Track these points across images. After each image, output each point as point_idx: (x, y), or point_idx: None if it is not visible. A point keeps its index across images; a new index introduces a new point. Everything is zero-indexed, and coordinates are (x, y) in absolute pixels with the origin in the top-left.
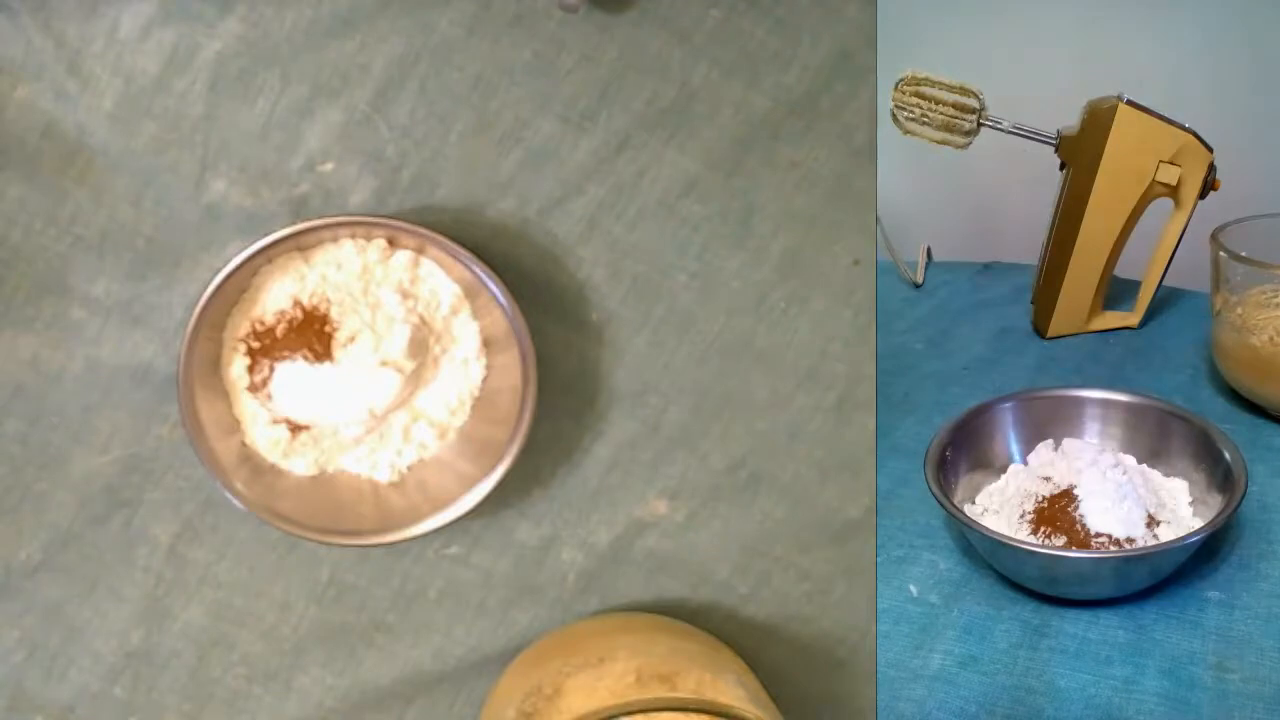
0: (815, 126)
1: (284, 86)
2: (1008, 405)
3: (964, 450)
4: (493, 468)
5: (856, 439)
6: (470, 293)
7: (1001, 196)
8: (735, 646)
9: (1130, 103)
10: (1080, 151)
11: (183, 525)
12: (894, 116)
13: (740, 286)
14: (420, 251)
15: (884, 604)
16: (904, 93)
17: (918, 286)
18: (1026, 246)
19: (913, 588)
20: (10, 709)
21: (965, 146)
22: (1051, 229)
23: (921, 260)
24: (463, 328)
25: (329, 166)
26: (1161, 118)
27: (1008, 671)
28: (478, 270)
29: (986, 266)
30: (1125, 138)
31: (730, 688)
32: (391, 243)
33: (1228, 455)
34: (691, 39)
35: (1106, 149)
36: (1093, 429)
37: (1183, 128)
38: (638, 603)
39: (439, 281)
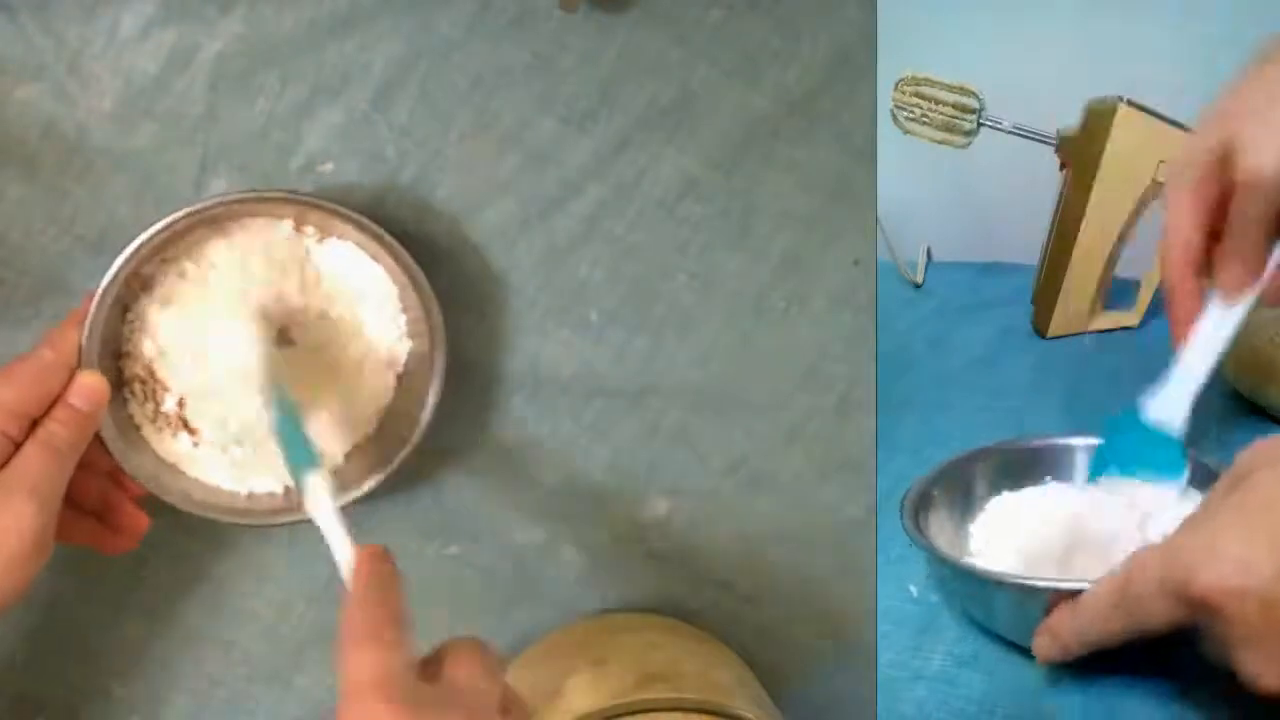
0: (815, 126)
1: (284, 86)
2: (981, 460)
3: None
4: (404, 442)
5: (856, 439)
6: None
7: (1001, 196)
8: (735, 646)
9: (1130, 103)
10: (1080, 151)
11: (182, 523)
12: (894, 116)
13: (740, 286)
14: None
15: (884, 604)
16: (904, 93)
17: (918, 286)
18: (1026, 246)
19: (912, 588)
20: (12, 709)
21: (965, 146)
22: (1051, 229)
23: (921, 260)
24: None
25: (329, 166)
26: (1161, 118)
27: (1008, 671)
28: (383, 243)
29: (986, 266)
30: (1125, 138)
31: (730, 687)
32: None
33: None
34: (691, 39)
35: (1106, 149)
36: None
37: (1183, 128)
38: (638, 603)
39: (345, 263)
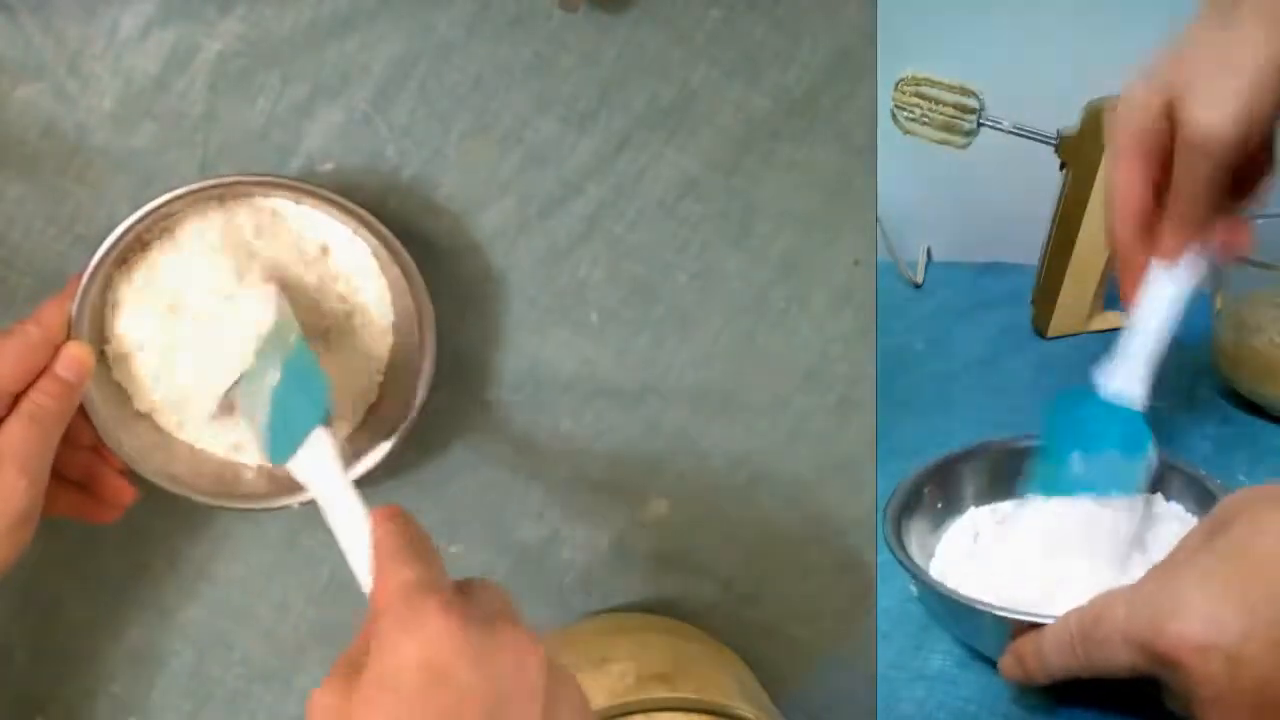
0: (815, 126)
1: (284, 86)
2: (969, 460)
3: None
4: (389, 435)
5: (856, 439)
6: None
7: (1001, 196)
8: (735, 646)
9: None
10: (1080, 151)
11: (181, 522)
12: (894, 116)
13: (740, 286)
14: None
15: (884, 604)
16: (904, 93)
17: (918, 286)
18: (1026, 246)
19: (913, 587)
20: (12, 708)
21: (965, 146)
22: (1051, 229)
23: (921, 260)
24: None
25: (329, 166)
26: None
27: None
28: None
29: (986, 266)
30: None
31: (730, 687)
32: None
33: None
34: (691, 39)
35: (1106, 149)
36: None
37: None
38: (638, 603)
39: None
